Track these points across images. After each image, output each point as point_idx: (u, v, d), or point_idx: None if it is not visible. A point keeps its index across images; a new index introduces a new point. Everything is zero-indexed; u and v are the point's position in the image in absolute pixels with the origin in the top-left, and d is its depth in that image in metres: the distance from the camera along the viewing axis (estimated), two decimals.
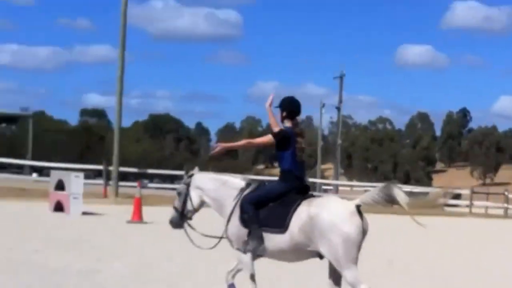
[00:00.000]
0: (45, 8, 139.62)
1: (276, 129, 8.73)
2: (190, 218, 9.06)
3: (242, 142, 9.28)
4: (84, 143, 77.52)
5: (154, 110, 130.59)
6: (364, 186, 53.40)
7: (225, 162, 73.01)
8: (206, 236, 8.89)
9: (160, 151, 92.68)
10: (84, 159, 51.18)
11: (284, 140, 8.56)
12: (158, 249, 14.69)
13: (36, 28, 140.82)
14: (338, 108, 66.00)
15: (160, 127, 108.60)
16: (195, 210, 9.02)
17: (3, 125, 66.71)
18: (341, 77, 65.71)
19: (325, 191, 51.62)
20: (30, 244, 14.84)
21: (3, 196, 27.97)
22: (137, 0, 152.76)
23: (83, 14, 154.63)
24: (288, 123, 8.71)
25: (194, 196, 8.95)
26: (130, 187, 31.56)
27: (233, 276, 8.69)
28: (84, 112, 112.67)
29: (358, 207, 8.11)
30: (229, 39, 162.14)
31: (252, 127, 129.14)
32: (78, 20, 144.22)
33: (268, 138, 8.66)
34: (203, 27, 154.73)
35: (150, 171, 40.84)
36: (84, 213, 22.32)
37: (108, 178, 32.42)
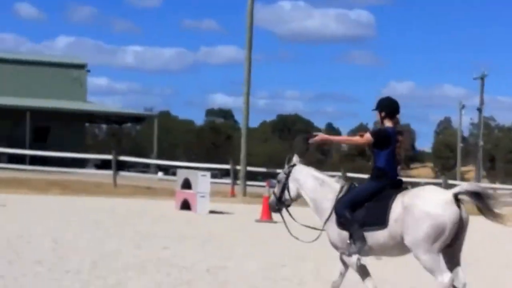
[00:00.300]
0: (171, 10, 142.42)
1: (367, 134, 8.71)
2: (289, 205, 9.15)
3: (342, 137, 9.42)
4: (211, 142, 78.28)
5: (282, 111, 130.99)
6: (508, 189, 51.28)
7: (357, 162, 72.09)
8: (306, 226, 8.94)
9: (288, 151, 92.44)
10: (211, 159, 51.41)
11: (384, 139, 8.53)
12: (287, 248, 14.08)
13: (161, 29, 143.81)
14: (480, 110, 64.08)
15: (289, 127, 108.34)
16: (292, 200, 9.10)
17: (128, 124, 68.08)
18: (482, 78, 63.66)
19: None
20: (158, 242, 14.63)
21: (130, 194, 28.18)
22: (265, 1, 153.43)
23: (210, 15, 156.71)
24: (388, 123, 8.69)
25: (292, 188, 9.04)
26: (257, 187, 31.54)
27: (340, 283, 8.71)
28: (210, 112, 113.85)
29: (456, 196, 7.91)
30: (361, 40, 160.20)
31: None
32: (205, 21, 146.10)
33: (366, 138, 8.63)
34: (333, 27, 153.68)
35: (279, 171, 40.48)
36: (211, 212, 22.07)
37: (235, 177, 32.45)
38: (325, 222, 8.64)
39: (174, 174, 26.15)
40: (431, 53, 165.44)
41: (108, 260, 11.81)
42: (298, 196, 9.06)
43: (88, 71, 50.84)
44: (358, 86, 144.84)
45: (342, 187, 8.70)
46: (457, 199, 7.92)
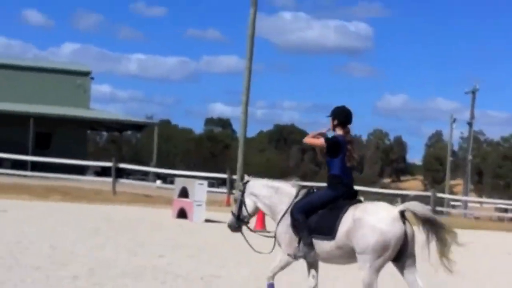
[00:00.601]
0: (176, 19, 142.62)
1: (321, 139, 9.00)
2: (247, 222, 9.62)
3: (309, 138, 9.24)
4: (209, 151, 78.57)
5: (279, 121, 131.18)
6: (494, 203, 51.60)
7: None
8: (261, 235, 9.71)
9: (285, 161, 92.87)
10: (209, 167, 51.69)
11: (335, 146, 8.84)
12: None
13: (165, 38, 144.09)
14: (470, 124, 64.32)
15: (285, 138, 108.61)
16: (250, 215, 9.55)
17: (129, 132, 68.37)
18: (474, 92, 63.95)
19: (453, 207, 50.12)
20: (154, 250, 14.90)
21: (129, 202, 28.46)
22: (267, 12, 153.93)
23: (214, 25, 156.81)
24: (339, 131, 9.00)
25: (249, 202, 9.45)
26: None
27: (273, 277, 9.28)
28: (209, 121, 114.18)
29: (402, 213, 8.32)
30: (358, 52, 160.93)
31: (379, 140, 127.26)
32: (208, 31, 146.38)
33: (321, 141, 8.96)
34: (333, 39, 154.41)
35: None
36: (207, 220, 22.35)
37: (231, 186, 32.66)
38: (279, 222, 9.08)
39: (172, 182, 26.41)
40: (425, 66, 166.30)
41: (105, 267, 12.07)
42: (256, 210, 9.56)
43: (92, 78, 51.15)
44: (354, 98, 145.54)
45: (298, 192, 9.09)
46: (403, 216, 8.33)
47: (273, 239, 9.42)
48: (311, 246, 8.66)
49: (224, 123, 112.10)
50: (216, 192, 33.80)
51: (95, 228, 18.38)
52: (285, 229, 9.01)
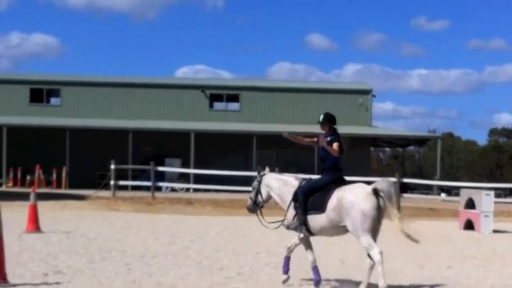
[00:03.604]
0: (458, 31, 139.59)
1: (328, 138, 11.12)
2: (262, 206, 11.90)
3: (329, 148, 11.02)
4: (494, 162, 76.27)
5: None
6: None
7: None
8: (272, 222, 11.45)
9: None
10: (494, 178, 50.26)
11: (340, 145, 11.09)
12: None
13: (447, 51, 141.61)
14: None
15: None
16: (264, 201, 11.84)
17: (411, 147, 68.32)
18: None
19: None
20: (442, 261, 14.95)
21: (413, 216, 28.57)
22: None
23: (497, 34, 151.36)
24: (331, 133, 11.22)
25: (263, 191, 11.76)
26: None
27: (291, 251, 11.42)
28: (494, 132, 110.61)
29: (375, 190, 10.40)
30: None
31: None
32: (493, 41, 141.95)
33: (336, 145, 11.05)
34: None
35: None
36: (495, 231, 21.88)
37: None
38: (288, 208, 11.23)
39: (456, 195, 26.16)
40: None
41: (392, 279, 12.28)
42: (269, 198, 11.79)
43: (374, 96, 51.92)
44: None
45: (300, 183, 11.26)
46: (376, 192, 10.40)
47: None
48: (302, 221, 10.90)
49: (510, 133, 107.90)
50: (503, 202, 32.86)
51: (381, 242, 18.71)
52: (291, 212, 11.17)
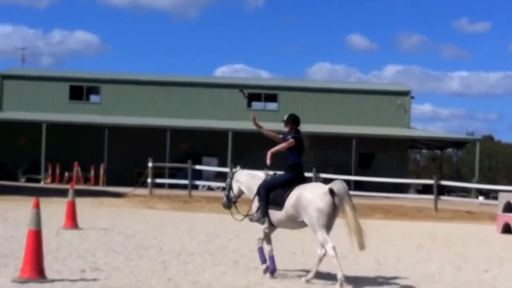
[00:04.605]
0: (500, 33, 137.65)
1: (288, 137, 11.98)
2: (236, 202, 12.65)
3: (278, 147, 12.02)
4: None
5: None
6: None
7: None
8: (244, 215, 12.37)
9: None
10: None
11: (297, 143, 11.86)
12: None
13: (489, 53, 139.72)
14: None
15: None
16: (236, 196, 12.62)
17: (449, 149, 67.77)
18: None
19: None
20: (479, 264, 14.88)
21: (451, 219, 28.41)
22: None
23: None
24: (294, 132, 12.02)
25: (235, 187, 12.59)
26: None
27: (262, 242, 12.12)
28: None
29: (331, 190, 11.04)
30: None
31: None
32: None
33: (290, 142, 11.84)
34: None
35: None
36: None
37: None
38: (252, 201, 12.11)
39: (495, 198, 25.92)
40: None
41: (429, 281, 12.35)
42: (240, 193, 12.58)
43: (412, 97, 51.57)
44: None
45: (266, 177, 12.09)
46: (332, 192, 11.03)
47: None
48: (264, 214, 11.72)
49: None
50: None
51: (418, 244, 18.69)
52: (256, 203, 11.98)
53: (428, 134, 52.97)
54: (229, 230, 19.89)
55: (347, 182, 38.98)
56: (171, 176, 40.64)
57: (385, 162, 47.36)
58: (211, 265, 13.15)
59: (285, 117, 12.26)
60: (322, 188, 11.22)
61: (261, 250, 12.05)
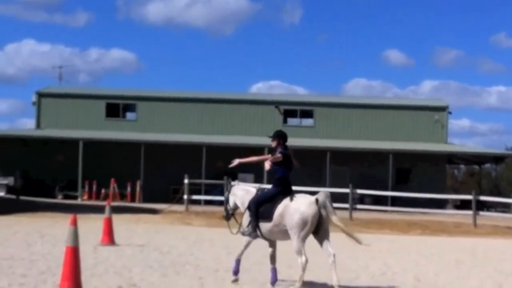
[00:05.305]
0: None
1: (278, 154, 12.24)
2: (233, 214, 13.16)
3: (255, 158, 12.93)
4: None
5: None
6: None
7: None
8: (239, 229, 12.74)
9: None
10: None
11: (285, 158, 12.20)
12: None
13: None
14: None
15: None
16: (233, 209, 13.13)
17: (488, 165, 67.01)
18: None
19: None
20: None
21: (490, 234, 28.03)
22: None
23: None
24: (281, 148, 12.36)
25: (231, 201, 13.09)
26: None
27: (242, 254, 12.79)
28: None
29: (316, 201, 11.64)
30: None
31: None
32: None
33: (279, 157, 12.17)
34: None
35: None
36: None
37: None
38: (243, 216, 12.57)
39: None
40: None
41: None
42: (236, 206, 13.04)
43: (450, 113, 51.17)
44: None
45: (257, 192, 12.54)
46: (317, 202, 11.59)
47: None
48: (255, 228, 12.17)
49: None
50: None
51: (457, 260, 18.43)
52: (247, 217, 12.44)
53: (466, 149, 52.47)
54: (265, 246, 19.77)
55: (385, 198, 39.05)
56: (207, 192, 40.66)
57: (423, 177, 47.00)
58: (248, 281, 13.07)
59: (272, 133, 12.66)
60: (309, 199, 11.77)
61: (238, 261, 12.70)
